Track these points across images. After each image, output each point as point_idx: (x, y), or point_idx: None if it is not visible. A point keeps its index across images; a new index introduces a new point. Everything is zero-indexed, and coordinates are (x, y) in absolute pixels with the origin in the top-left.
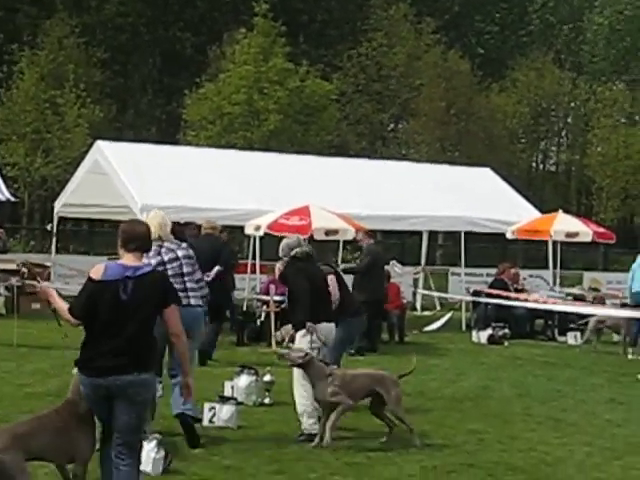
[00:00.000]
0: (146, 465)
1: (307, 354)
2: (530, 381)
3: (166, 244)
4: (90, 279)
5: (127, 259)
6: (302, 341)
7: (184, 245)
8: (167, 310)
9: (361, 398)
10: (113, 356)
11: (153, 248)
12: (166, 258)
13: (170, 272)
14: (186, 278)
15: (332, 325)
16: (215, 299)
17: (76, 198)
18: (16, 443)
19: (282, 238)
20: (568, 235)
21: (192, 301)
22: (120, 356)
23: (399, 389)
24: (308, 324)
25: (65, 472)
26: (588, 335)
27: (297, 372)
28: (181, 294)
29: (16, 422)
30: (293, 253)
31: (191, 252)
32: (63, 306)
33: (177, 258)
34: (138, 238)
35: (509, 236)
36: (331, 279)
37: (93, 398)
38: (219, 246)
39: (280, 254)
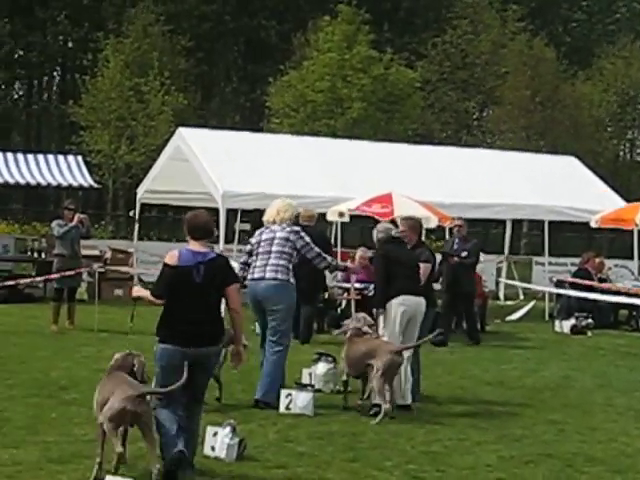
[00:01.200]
0: (220, 451)
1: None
2: (612, 372)
3: (274, 226)
4: (167, 265)
5: (194, 245)
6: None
7: (289, 229)
8: (229, 288)
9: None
10: (192, 330)
11: (262, 228)
12: (263, 237)
13: (260, 249)
14: (272, 255)
15: (420, 299)
16: (308, 284)
17: (158, 185)
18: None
19: (364, 227)
20: None
21: (267, 275)
22: (198, 331)
23: (387, 360)
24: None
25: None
26: None
27: None
28: (259, 268)
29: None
30: (379, 237)
31: (291, 236)
32: (146, 293)
33: (274, 238)
34: (199, 228)
35: (593, 225)
36: (426, 267)
37: (173, 365)
38: (317, 236)
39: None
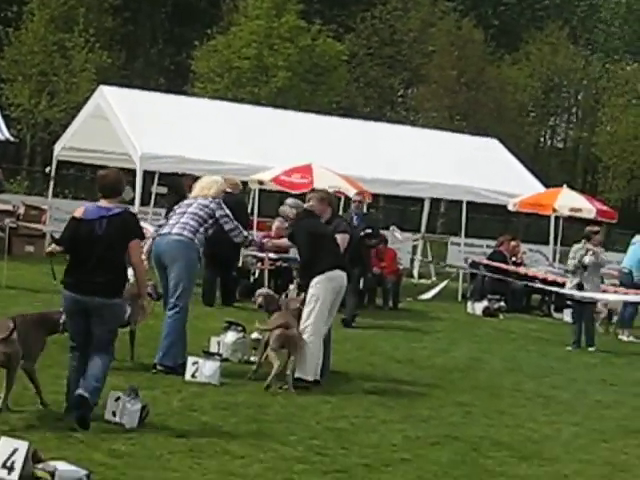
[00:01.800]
0: (121, 416)
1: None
2: (522, 356)
3: (199, 199)
4: (73, 217)
5: (102, 202)
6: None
7: (210, 199)
8: (130, 243)
9: None
10: (91, 280)
11: (187, 201)
12: (184, 202)
13: (177, 210)
14: (185, 215)
15: (344, 274)
16: (224, 251)
17: (76, 142)
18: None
19: (281, 197)
20: (571, 210)
21: (173, 230)
22: (96, 281)
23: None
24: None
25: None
26: None
27: None
28: (169, 226)
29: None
30: (296, 212)
31: (212, 204)
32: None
33: (193, 203)
34: (107, 187)
35: (511, 208)
36: (343, 238)
37: (71, 310)
38: (236, 204)
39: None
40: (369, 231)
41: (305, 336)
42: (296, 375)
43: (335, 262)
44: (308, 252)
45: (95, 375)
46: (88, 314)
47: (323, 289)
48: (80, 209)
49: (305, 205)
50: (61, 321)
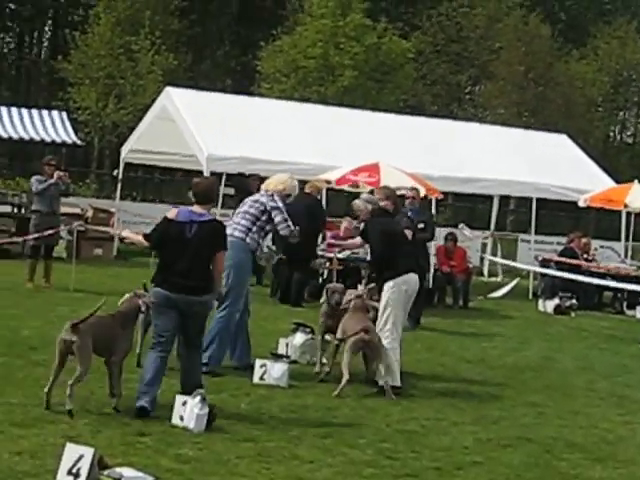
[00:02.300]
0: (189, 421)
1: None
2: (595, 354)
3: (262, 195)
4: (166, 217)
5: (195, 208)
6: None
7: (273, 197)
8: (217, 253)
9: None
10: (185, 280)
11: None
12: (253, 199)
13: (238, 209)
14: (239, 214)
15: (416, 276)
16: (304, 252)
17: (143, 144)
18: (89, 332)
19: (349, 195)
20: None
21: (235, 233)
22: (190, 281)
23: (354, 338)
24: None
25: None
26: None
27: None
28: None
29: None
30: (370, 208)
31: (263, 198)
32: (135, 236)
33: (256, 201)
34: (199, 193)
35: (582, 204)
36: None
37: (161, 305)
38: (310, 206)
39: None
40: (422, 226)
41: (385, 342)
42: (390, 383)
43: (410, 265)
44: (382, 252)
45: (190, 370)
46: (179, 311)
47: (397, 293)
48: (173, 211)
49: (381, 203)
50: (142, 303)
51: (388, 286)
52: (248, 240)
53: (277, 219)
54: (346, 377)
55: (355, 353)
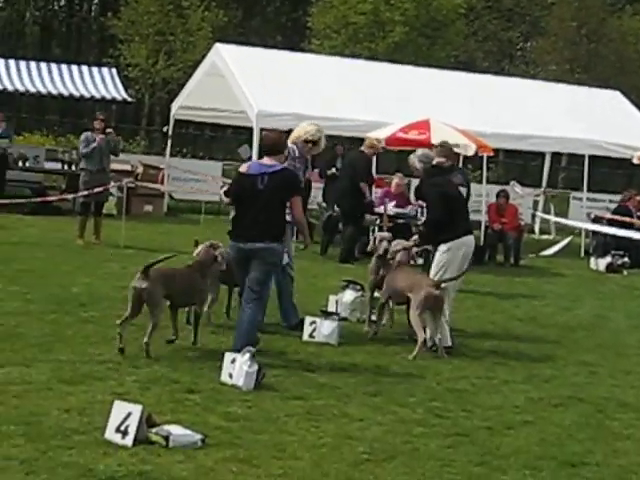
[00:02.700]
0: (238, 379)
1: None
2: None
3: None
4: (239, 172)
5: (265, 160)
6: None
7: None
8: (292, 199)
9: (403, 301)
10: (251, 229)
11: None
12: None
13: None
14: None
15: (472, 237)
16: (350, 205)
17: (193, 101)
18: (160, 280)
19: (400, 152)
20: None
21: None
22: (256, 229)
23: (424, 294)
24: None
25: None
26: None
27: None
28: None
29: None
30: (424, 166)
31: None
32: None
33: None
34: (267, 146)
35: (636, 161)
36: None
37: (236, 258)
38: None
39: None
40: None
41: None
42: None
43: (467, 227)
44: (439, 213)
45: (251, 322)
46: (250, 260)
47: (453, 256)
48: (245, 165)
49: (435, 161)
50: (218, 254)
51: (444, 248)
52: None
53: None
54: (422, 337)
55: (426, 311)
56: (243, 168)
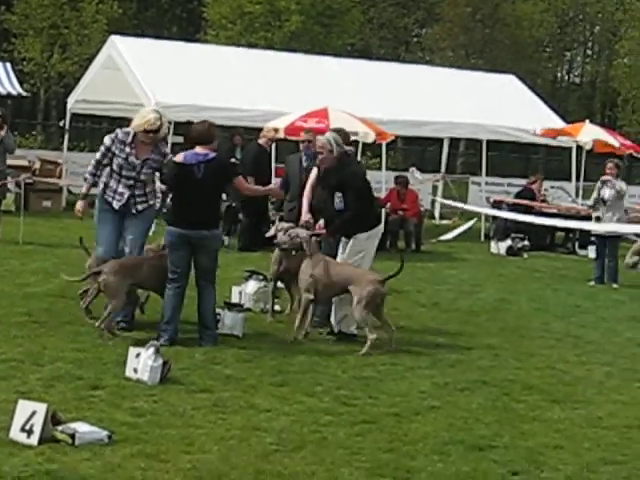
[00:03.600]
0: (143, 373)
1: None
2: (549, 295)
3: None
4: (174, 162)
5: (199, 149)
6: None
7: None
8: (234, 181)
9: (334, 295)
10: (195, 216)
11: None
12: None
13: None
14: None
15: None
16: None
17: (89, 94)
18: (121, 271)
19: (299, 143)
20: (596, 142)
21: None
22: (200, 217)
23: (371, 289)
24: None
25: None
26: None
27: None
28: None
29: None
30: (344, 150)
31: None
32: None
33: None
34: (196, 137)
35: (538, 132)
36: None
37: (175, 242)
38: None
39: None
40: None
41: None
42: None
43: (379, 215)
44: (366, 203)
45: (211, 309)
46: (192, 247)
47: (372, 244)
48: (179, 155)
49: (347, 147)
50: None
51: (364, 236)
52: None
53: None
54: (373, 337)
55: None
56: (179, 157)
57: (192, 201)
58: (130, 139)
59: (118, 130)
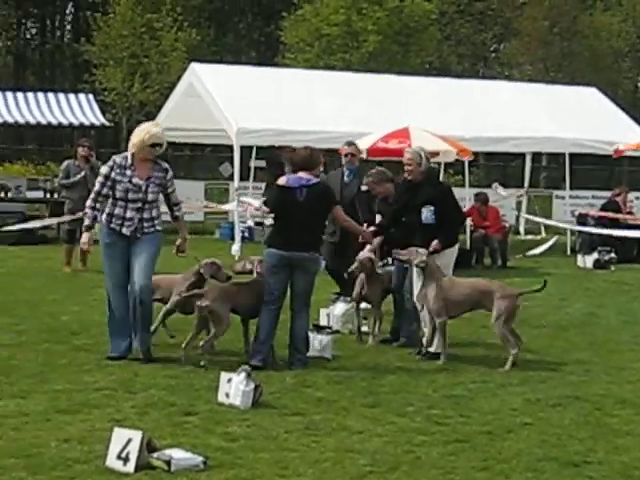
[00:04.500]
0: (235, 398)
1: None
2: (637, 308)
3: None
4: (277, 185)
5: (302, 174)
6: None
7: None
8: (334, 210)
9: (463, 312)
10: (296, 239)
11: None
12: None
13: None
14: None
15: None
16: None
17: (171, 122)
18: (224, 297)
19: (381, 163)
20: None
21: None
22: (301, 240)
23: (510, 304)
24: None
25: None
26: None
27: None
28: None
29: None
30: (425, 167)
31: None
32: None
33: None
34: (298, 163)
35: (620, 148)
36: None
37: (275, 265)
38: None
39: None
40: (365, 188)
41: None
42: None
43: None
44: (460, 215)
45: (304, 332)
46: (291, 269)
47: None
48: (282, 179)
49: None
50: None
51: (454, 249)
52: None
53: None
54: (515, 352)
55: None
56: (282, 181)
57: (294, 224)
58: (130, 162)
59: (114, 157)
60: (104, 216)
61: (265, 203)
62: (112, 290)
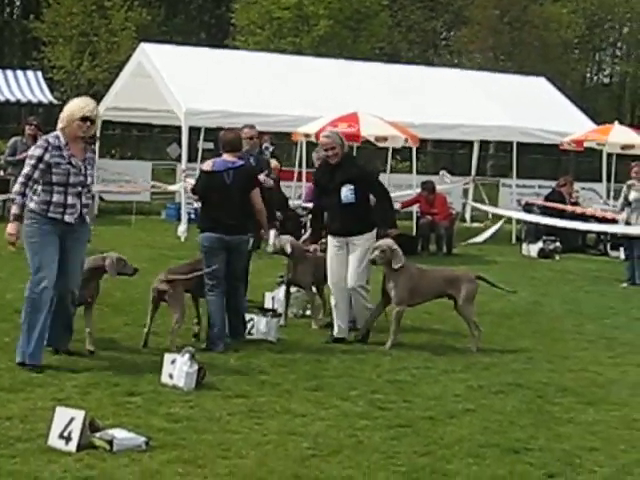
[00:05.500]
0: (178, 379)
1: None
2: (582, 297)
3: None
4: (204, 170)
5: (226, 156)
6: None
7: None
8: (252, 192)
9: (425, 301)
10: (230, 222)
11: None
12: None
13: None
14: None
15: None
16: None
17: (120, 102)
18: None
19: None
20: (624, 147)
21: None
22: (235, 222)
23: (474, 287)
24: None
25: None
26: None
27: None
28: None
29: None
30: (347, 147)
31: None
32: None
33: None
34: (227, 143)
35: (566, 147)
36: None
37: (213, 248)
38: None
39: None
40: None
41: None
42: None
43: None
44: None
45: (244, 303)
46: (228, 250)
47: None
48: (209, 163)
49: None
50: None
51: (372, 234)
52: None
53: None
54: (482, 330)
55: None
56: (207, 166)
57: (225, 207)
58: (64, 141)
59: (46, 137)
60: (35, 205)
61: (193, 191)
62: (44, 289)
